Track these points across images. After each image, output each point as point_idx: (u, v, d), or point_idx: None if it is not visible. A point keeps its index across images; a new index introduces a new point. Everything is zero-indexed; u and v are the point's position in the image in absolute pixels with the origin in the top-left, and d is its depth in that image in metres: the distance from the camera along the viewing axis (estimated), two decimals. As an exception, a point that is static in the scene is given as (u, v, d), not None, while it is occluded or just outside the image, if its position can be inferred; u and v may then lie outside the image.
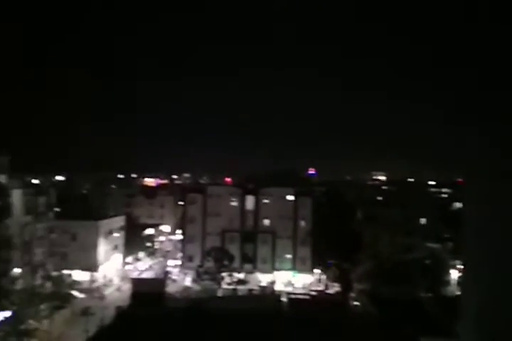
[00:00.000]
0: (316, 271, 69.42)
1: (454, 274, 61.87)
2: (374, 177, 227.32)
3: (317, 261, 67.15)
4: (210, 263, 62.74)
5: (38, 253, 57.07)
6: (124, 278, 71.14)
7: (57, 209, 66.16)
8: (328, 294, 63.13)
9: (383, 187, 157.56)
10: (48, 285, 51.33)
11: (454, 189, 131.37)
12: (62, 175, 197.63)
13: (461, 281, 47.63)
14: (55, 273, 54.35)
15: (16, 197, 52.85)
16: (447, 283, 57.97)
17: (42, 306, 44.97)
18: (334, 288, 63.35)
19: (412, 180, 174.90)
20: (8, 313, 42.29)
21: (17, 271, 51.05)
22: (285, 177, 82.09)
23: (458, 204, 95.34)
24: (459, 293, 40.85)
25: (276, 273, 70.02)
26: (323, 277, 68.10)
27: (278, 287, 67.69)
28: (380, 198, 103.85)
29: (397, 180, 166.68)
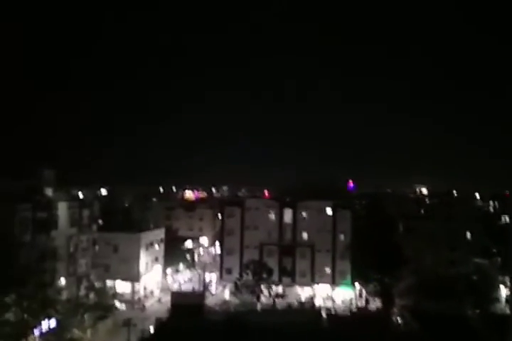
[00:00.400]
0: (357, 285, 67.97)
1: (504, 291, 59.11)
2: (416, 190, 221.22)
3: (357, 275, 65.78)
4: (248, 277, 62.61)
5: (82, 264, 58.78)
6: (164, 289, 72.07)
7: (100, 222, 68.15)
8: (369, 309, 61.60)
9: (426, 200, 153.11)
10: (92, 295, 52.69)
11: (501, 202, 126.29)
12: (105, 188, 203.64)
13: (509, 298, 45.49)
14: (98, 284, 55.74)
15: (62, 209, 54.87)
16: (496, 299, 55.39)
17: (86, 316, 46.11)
18: (375, 303, 61.78)
19: (456, 192, 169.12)
20: (53, 322, 43.63)
21: (62, 281, 52.73)
22: (323, 190, 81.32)
23: (506, 218, 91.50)
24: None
25: (315, 286, 69.04)
26: (364, 292, 66.56)
27: (317, 301, 66.72)
28: (422, 211, 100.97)
29: (440, 193, 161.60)
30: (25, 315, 39.74)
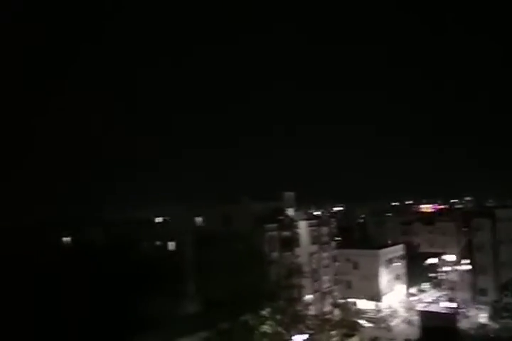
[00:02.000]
0: None
1: None
2: None
3: None
4: (509, 299, 54.51)
5: (325, 280, 60.70)
6: (409, 309, 68.45)
7: (337, 239, 69.65)
8: None
9: None
10: (336, 312, 53.63)
11: None
12: (340, 206, 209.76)
13: None
14: (341, 301, 56.53)
15: (302, 228, 58.21)
16: None
17: (333, 332, 47.00)
18: None
19: None
20: (304, 337, 45.74)
21: (308, 297, 55.24)
22: None
23: None
24: None
25: None
26: None
27: None
28: None
29: None
30: (279, 328, 42.67)
